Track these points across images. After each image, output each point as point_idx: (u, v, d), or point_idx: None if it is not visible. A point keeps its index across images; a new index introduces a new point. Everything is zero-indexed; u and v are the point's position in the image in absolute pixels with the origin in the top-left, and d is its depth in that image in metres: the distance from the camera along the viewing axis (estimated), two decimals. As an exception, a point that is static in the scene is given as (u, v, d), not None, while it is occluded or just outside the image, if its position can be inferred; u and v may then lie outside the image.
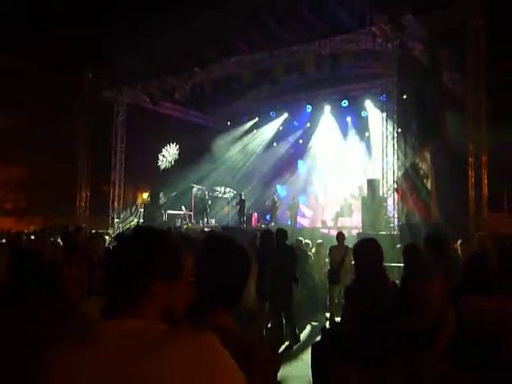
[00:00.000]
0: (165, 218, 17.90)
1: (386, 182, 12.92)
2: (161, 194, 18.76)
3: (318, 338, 4.21)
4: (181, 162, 20.15)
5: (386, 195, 12.82)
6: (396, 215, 12.43)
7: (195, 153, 19.77)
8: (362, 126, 17.78)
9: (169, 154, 20.54)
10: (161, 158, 20.27)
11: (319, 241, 9.90)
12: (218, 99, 17.85)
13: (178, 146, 20.60)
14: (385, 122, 13.16)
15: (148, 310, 1.17)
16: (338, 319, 6.27)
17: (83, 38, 13.31)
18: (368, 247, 3.43)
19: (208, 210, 18.40)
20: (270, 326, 7.01)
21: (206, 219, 18.21)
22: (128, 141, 17.83)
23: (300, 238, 9.34)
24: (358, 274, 3.53)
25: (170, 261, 1.21)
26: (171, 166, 20.41)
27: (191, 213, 18.50)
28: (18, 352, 2.05)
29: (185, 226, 16.75)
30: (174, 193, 19.30)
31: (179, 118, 19.20)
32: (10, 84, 14.11)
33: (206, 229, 14.65)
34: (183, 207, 18.25)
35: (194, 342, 1.10)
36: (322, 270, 9.25)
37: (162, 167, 20.30)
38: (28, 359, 1.99)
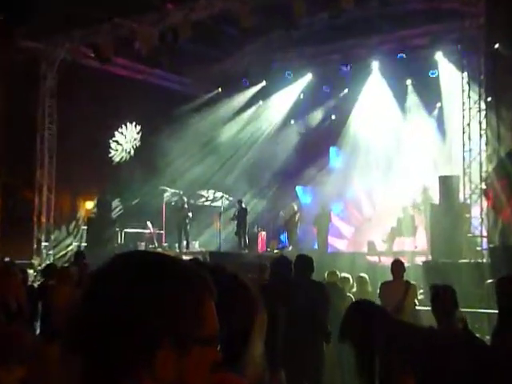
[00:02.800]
0: (120, 239, 17.96)
1: (470, 180, 12.91)
2: (114, 203, 18.80)
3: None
4: (144, 152, 20.17)
5: (469, 201, 12.80)
6: (485, 233, 12.42)
7: (167, 137, 19.81)
8: (429, 93, 17.83)
9: (125, 139, 20.59)
10: (113, 145, 20.33)
11: (363, 274, 9.92)
12: (202, 53, 17.93)
13: (139, 127, 20.66)
14: (466, 87, 13.13)
15: None
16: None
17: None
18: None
19: (188, 226, 18.36)
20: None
21: (185, 241, 18.20)
22: (62, 119, 17.93)
23: (334, 271, 9.36)
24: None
25: (178, 314, 1.10)
26: (130, 158, 20.47)
27: (162, 232, 18.56)
28: None
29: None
30: (135, 200, 19.34)
31: (141, 83, 19.29)
32: None
33: (184, 256, 14.68)
34: (149, 223, 18.31)
35: None
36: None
37: (116, 160, 20.36)
38: None
